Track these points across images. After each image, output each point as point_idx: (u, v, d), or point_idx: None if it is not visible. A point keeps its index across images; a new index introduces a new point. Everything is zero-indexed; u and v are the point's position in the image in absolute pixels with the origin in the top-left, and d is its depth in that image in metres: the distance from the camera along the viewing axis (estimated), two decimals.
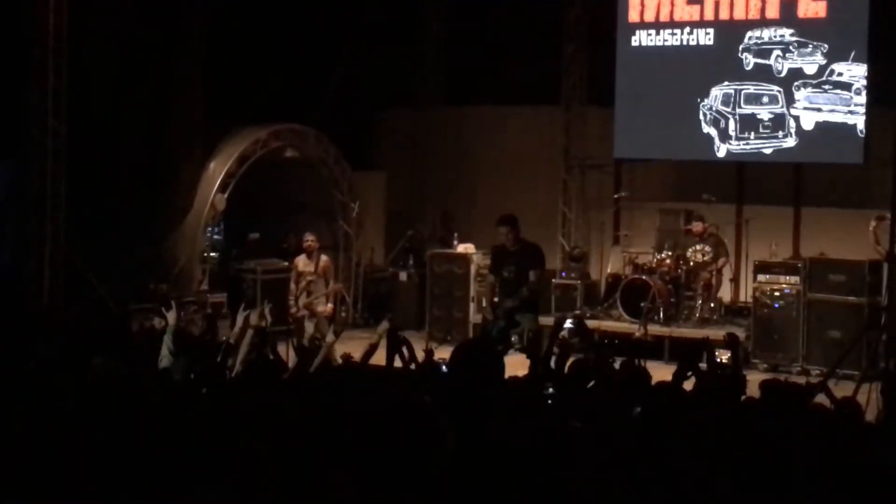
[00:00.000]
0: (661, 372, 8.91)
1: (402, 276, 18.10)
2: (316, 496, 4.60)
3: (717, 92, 16.33)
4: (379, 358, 8.57)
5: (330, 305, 15.06)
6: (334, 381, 7.08)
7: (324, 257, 15.03)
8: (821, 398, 8.16)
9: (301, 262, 14.85)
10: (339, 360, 9.44)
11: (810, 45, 15.69)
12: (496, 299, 12.83)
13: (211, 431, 5.31)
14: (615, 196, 17.91)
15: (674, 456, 5.32)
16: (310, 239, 14.94)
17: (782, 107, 15.89)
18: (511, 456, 4.58)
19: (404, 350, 8.27)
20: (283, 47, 17.92)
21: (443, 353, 14.24)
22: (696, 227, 15.82)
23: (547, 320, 15.32)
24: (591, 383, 7.88)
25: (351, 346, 11.29)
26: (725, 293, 16.37)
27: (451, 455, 4.48)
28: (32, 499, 4.99)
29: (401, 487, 4.36)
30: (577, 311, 15.98)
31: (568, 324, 10.62)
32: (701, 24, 16.43)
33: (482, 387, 4.93)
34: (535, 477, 4.50)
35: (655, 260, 15.99)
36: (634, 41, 16.92)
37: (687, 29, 16.55)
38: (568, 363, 8.09)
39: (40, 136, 14.36)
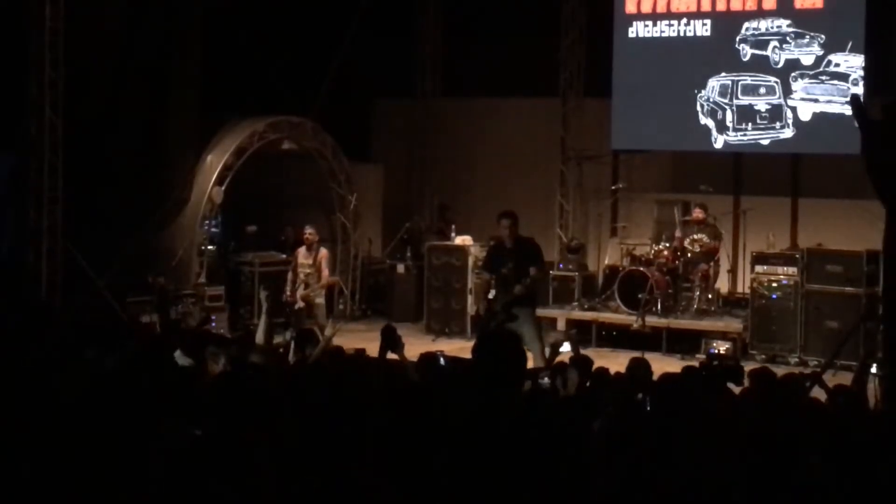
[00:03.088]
0: (659, 364, 8.95)
1: (400, 268, 18.08)
2: (317, 488, 4.61)
3: (714, 83, 16.33)
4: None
5: (320, 300, 15.00)
6: (337, 371, 7.09)
7: (323, 250, 15.05)
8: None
9: (301, 253, 14.88)
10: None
11: (807, 36, 15.69)
12: (490, 296, 12.76)
13: (212, 423, 5.31)
14: (612, 187, 17.92)
15: (676, 446, 5.34)
16: (309, 232, 14.96)
17: (779, 98, 15.90)
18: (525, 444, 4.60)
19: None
20: (279, 38, 17.91)
21: (440, 345, 14.41)
22: (696, 212, 15.82)
23: (544, 313, 15.38)
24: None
25: (349, 339, 11.33)
26: (723, 284, 16.39)
27: (455, 442, 4.50)
28: (30, 493, 4.98)
29: (406, 476, 4.37)
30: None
31: (566, 347, 10.55)
32: (698, 14, 16.44)
33: (508, 377, 4.94)
34: (543, 467, 4.51)
35: (653, 251, 15.99)
36: (631, 32, 16.92)
37: (684, 20, 16.55)
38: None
39: (38, 129, 14.36)
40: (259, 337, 10.20)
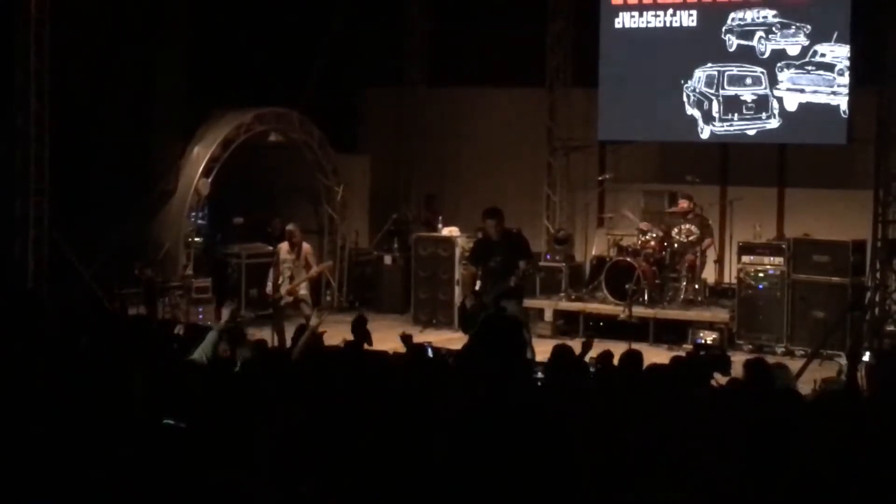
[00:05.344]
0: (647, 354, 8.95)
1: (387, 259, 18.08)
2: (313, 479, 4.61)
3: (700, 73, 16.33)
4: None
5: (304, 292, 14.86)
6: (332, 365, 7.10)
7: (306, 245, 14.82)
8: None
9: (284, 249, 14.66)
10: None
11: (793, 27, 15.70)
12: (477, 288, 12.74)
13: (211, 415, 5.32)
14: (599, 178, 17.91)
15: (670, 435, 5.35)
16: (290, 230, 14.71)
17: (766, 88, 15.91)
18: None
19: None
20: (265, 29, 17.86)
21: (428, 336, 14.41)
22: (682, 203, 15.84)
23: (531, 304, 15.40)
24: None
25: (337, 330, 11.31)
26: (710, 274, 16.41)
27: (451, 434, 4.51)
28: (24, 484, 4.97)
29: (397, 474, 4.38)
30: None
31: None
32: (684, 5, 16.43)
33: (510, 359, 4.96)
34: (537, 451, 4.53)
35: (640, 241, 16.01)
36: (618, 23, 16.91)
37: (670, 10, 16.54)
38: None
39: (24, 120, 14.31)
40: (203, 352, 8.82)
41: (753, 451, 5.26)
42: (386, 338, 9.65)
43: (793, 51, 15.70)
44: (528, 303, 14.38)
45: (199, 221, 17.10)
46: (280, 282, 14.40)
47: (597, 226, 17.87)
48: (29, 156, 14.34)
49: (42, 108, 14.38)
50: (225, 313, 9.09)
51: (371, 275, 18.45)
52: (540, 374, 7.64)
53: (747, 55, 16.00)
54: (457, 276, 16.63)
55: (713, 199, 16.64)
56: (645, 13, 16.72)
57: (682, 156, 17.26)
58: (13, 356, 7.48)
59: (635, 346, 10.38)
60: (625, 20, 16.86)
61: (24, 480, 4.95)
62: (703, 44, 16.31)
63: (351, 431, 4.96)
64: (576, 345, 8.70)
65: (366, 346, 8.67)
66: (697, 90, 16.36)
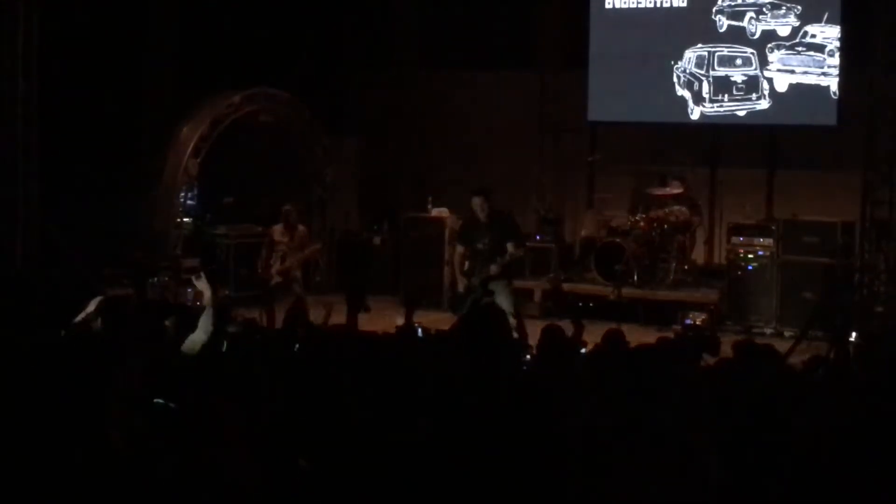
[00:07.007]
0: (636, 335, 8.97)
1: (377, 240, 18.06)
2: (285, 464, 4.61)
3: (690, 54, 16.32)
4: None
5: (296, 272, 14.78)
6: (318, 346, 7.09)
7: (301, 227, 14.72)
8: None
9: (277, 231, 14.55)
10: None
11: (784, 7, 15.69)
12: (465, 269, 12.72)
13: (188, 397, 5.31)
14: (589, 159, 17.90)
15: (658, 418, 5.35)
16: (288, 209, 14.63)
17: (756, 69, 15.90)
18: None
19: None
20: (256, 9, 17.80)
21: (417, 317, 14.38)
22: (674, 185, 15.83)
23: (520, 284, 15.40)
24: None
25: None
26: (699, 255, 16.42)
27: (434, 418, 4.51)
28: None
29: (384, 455, 4.37)
30: (552, 276, 15.99)
31: None
32: None
33: (496, 345, 4.96)
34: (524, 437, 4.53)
35: (630, 222, 16.01)
36: (608, 3, 16.89)
37: None
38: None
39: (11, 100, 14.26)
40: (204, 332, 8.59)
41: (743, 431, 5.26)
42: (374, 319, 9.64)
43: (783, 31, 15.70)
44: (518, 283, 14.36)
45: (189, 202, 17.06)
46: (272, 262, 14.33)
47: (586, 207, 17.87)
48: (17, 137, 14.28)
49: (30, 89, 14.32)
50: (203, 286, 8.88)
51: (360, 256, 18.41)
52: (527, 357, 7.64)
53: (738, 36, 15.99)
54: (446, 257, 16.62)
55: (703, 180, 16.63)
56: None
57: (672, 137, 17.24)
58: (2, 340, 7.45)
59: (624, 327, 10.40)
60: (615, 0, 16.84)
61: (11, 465, 4.93)
62: (694, 24, 16.30)
63: (338, 411, 4.96)
64: (565, 326, 8.69)
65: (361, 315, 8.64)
66: (687, 71, 16.35)
